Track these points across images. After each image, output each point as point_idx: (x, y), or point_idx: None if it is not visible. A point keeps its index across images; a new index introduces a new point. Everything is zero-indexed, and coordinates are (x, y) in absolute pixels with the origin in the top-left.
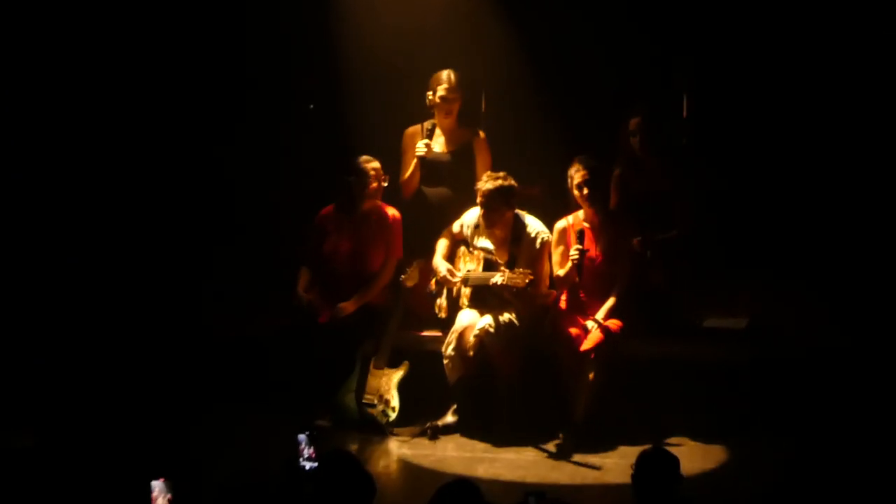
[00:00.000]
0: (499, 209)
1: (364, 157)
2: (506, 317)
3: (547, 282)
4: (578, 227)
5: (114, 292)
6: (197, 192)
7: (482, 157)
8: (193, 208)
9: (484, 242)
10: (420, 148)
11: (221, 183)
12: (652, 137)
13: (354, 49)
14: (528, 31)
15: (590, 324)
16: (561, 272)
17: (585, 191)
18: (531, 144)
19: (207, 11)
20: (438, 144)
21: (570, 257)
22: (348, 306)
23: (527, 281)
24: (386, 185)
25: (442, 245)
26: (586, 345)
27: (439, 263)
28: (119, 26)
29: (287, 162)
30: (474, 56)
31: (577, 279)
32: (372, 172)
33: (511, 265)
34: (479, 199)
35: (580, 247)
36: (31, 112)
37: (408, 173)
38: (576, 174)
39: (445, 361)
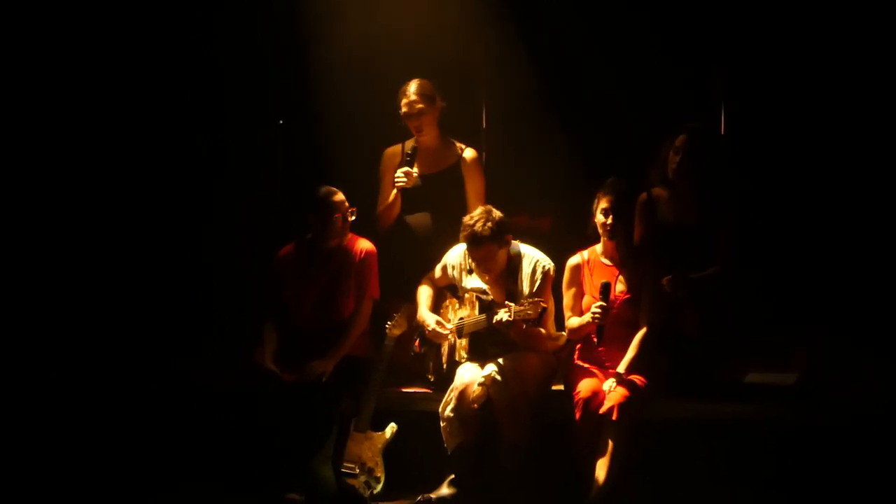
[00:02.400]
0: (490, 249)
1: (325, 189)
2: (514, 364)
3: (553, 322)
4: (603, 279)
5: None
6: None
7: (472, 180)
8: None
9: (475, 282)
10: (399, 178)
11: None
12: (697, 158)
13: (330, 60)
14: (538, 37)
15: (609, 381)
16: (575, 322)
17: (609, 220)
18: (541, 167)
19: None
20: (416, 166)
21: (592, 314)
22: (325, 364)
23: (539, 310)
24: (353, 219)
25: (424, 294)
26: (606, 405)
27: (426, 316)
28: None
29: (251, 187)
30: (474, 64)
31: (596, 341)
32: (334, 207)
33: (512, 302)
34: (466, 240)
35: (604, 304)
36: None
37: (386, 202)
38: (600, 201)
39: (443, 425)
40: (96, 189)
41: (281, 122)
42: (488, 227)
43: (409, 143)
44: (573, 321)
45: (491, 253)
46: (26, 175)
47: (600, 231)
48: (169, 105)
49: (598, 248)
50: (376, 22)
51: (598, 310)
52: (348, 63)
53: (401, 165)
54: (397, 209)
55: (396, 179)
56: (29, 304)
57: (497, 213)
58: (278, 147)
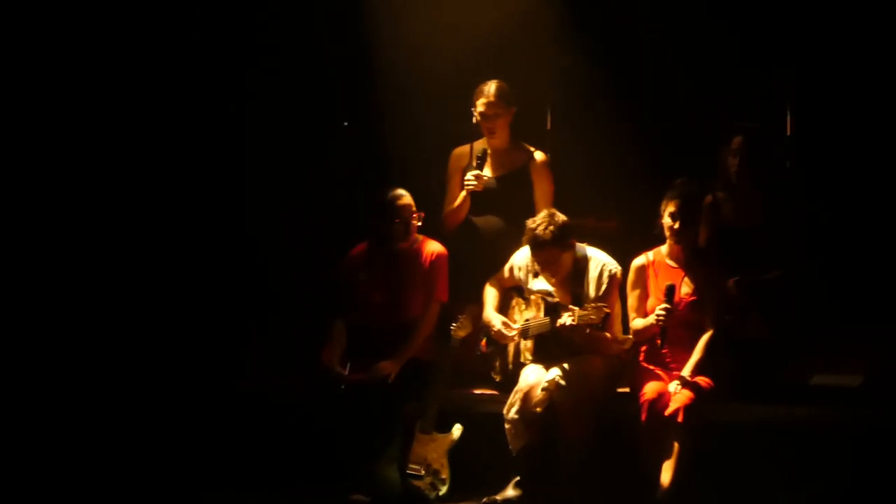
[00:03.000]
0: (554, 254)
1: (391, 193)
2: (578, 368)
3: (619, 325)
4: (668, 281)
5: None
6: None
7: (541, 183)
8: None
9: (541, 284)
10: (469, 181)
11: (240, 210)
12: (755, 160)
13: (395, 57)
14: (604, 36)
15: (674, 383)
16: (639, 323)
17: (676, 225)
18: (607, 169)
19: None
20: (487, 169)
21: (657, 317)
22: (391, 366)
23: (602, 315)
24: (419, 223)
25: (490, 295)
26: (671, 407)
27: (492, 317)
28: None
29: (312, 189)
30: (539, 64)
31: (660, 343)
32: (397, 211)
33: (577, 306)
34: (531, 244)
35: (669, 306)
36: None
37: (454, 205)
38: (667, 204)
39: (507, 426)
40: (162, 191)
41: (346, 123)
42: (549, 231)
43: (479, 145)
44: (637, 322)
45: (553, 257)
46: (102, 173)
47: (667, 234)
48: (235, 107)
49: (664, 249)
50: (441, 21)
51: (663, 312)
52: (413, 63)
53: (470, 168)
54: (465, 212)
55: (466, 182)
56: (88, 308)
57: (560, 217)
58: (343, 148)
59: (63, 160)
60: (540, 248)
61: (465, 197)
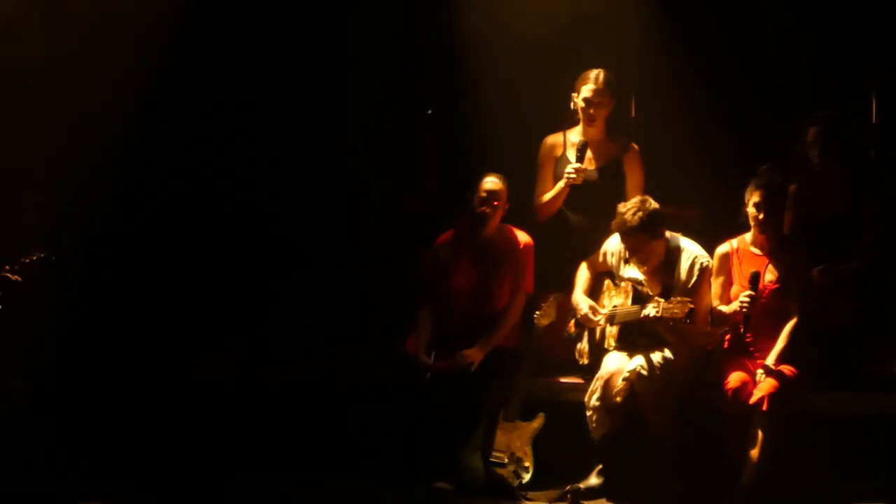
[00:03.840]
0: (645, 241)
1: (483, 178)
2: (661, 358)
3: (707, 317)
4: (752, 268)
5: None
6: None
7: (634, 175)
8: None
9: (632, 272)
10: (570, 174)
11: (316, 195)
12: (834, 149)
13: (483, 41)
14: (688, 21)
15: (759, 372)
16: (724, 309)
17: (761, 215)
18: (690, 157)
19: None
20: (585, 160)
21: (740, 303)
22: (475, 354)
23: (686, 311)
24: (500, 212)
25: (582, 278)
26: (756, 395)
27: (580, 300)
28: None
29: (398, 177)
30: (623, 50)
31: (743, 330)
32: (483, 194)
33: (665, 296)
34: (620, 231)
35: (752, 293)
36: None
37: (550, 195)
38: (752, 194)
39: (589, 413)
40: (246, 181)
41: (430, 111)
42: (638, 217)
43: (572, 133)
44: (721, 309)
45: (642, 243)
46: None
47: (752, 223)
48: (323, 95)
49: (748, 236)
50: (527, 9)
51: (747, 299)
52: (499, 51)
53: (564, 157)
54: (560, 202)
55: (567, 175)
56: (149, 292)
57: (652, 204)
58: (429, 136)
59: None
60: (628, 234)
61: (564, 188)
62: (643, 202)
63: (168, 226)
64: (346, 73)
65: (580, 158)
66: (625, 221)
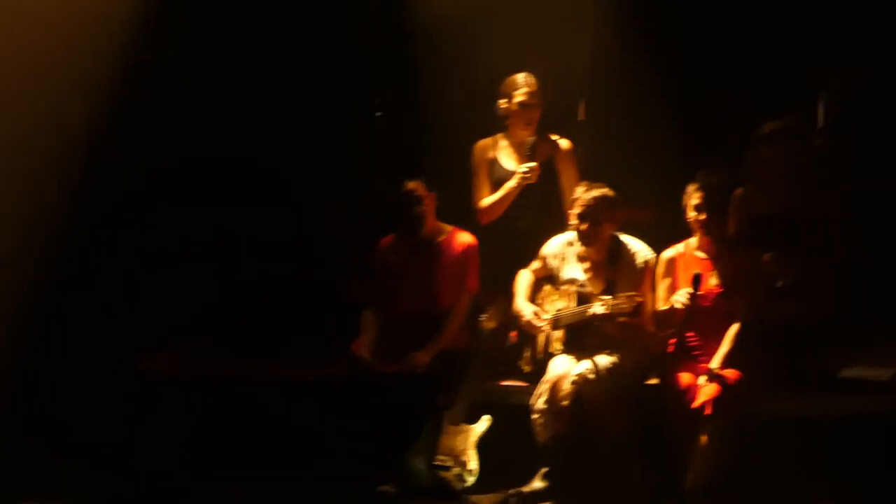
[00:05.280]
0: (602, 223)
1: (409, 181)
2: (608, 360)
3: (653, 316)
4: (693, 268)
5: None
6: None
7: (567, 173)
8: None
9: (573, 272)
10: (525, 173)
11: (264, 197)
12: (785, 153)
13: (426, 52)
14: (638, 24)
15: (703, 376)
16: (663, 307)
17: (702, 216)
18: (640, 160)
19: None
20: (512, 162)
21: (676, 300)
22: (423, 356)
23: (634, 304)
24: (431, 208)
25: (522, 285)
26: (699, 400)
27: (522, 306)
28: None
29: (342, 180)
30: (572, 57)
31: (678, 325)
32: (406, 198)
33: (610, 294)
34: (578, 211)
35: (692, 290)
36: None
37: (496, 197)
38: (692, 195)
39: (535, 417)
40: (192, 184)
41: (378, 114)
42: (600, 191)
43: (502, 138)
44: (662, 309)
45: (602, 216)
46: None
47: (693, 226)
48: (269, 98)
49: (693, 241)
50: (473, 14)
51: (686, 296)
52: (444, 55)
53: (496, 161)
54: (507, 204)
55: (522, 175)
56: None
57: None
58: (375, 139)
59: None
60: (596, 212)
61: (513, 189)
62: (602, 185)
63: (118, 226)
64: (287, 71)
65: (532, 157)
66: (593, 196)
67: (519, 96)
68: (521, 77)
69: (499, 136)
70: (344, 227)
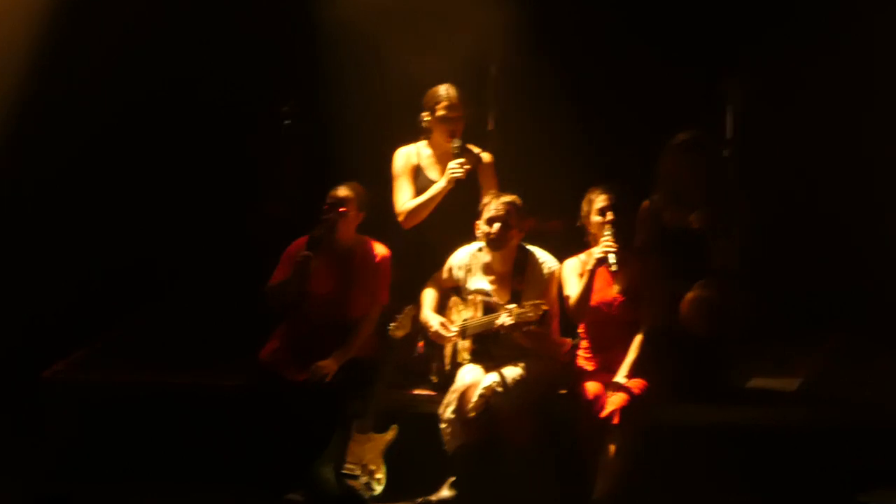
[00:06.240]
0: (510, 228)
1: (342, 185)
2: (516, 372)
3: (558, 324)
4: (603, 281)
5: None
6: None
7: (488, 185)
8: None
9: (480, 283)
10: (455, 169)
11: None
12: (694, 165)
13: (339, 57)
14: (548, 33)
15: (610, 385)
16: (574, 292)
17: (609, 216)
18: (549, 170)
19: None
20: (435, 172)
21: (599, 253)
22: (331, 365)
23: (540, 313)
24: (353, 218)
25: (429, 295)
26: (607, 409)
27: (429, 317)
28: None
29: (253, 186)
30: (481, 66)
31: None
32: (330, 200)
33: (516, 303)
34: (487, 216)
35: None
36: None
37: (423, 198)
38: (597, 198)
39: (443, 426)
40: (103, 184)
41: (287, 122)
42: (510, 198)
43: (424, 147)
44: (572, 293)
45: (512, 221)
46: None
47: (597, 230)
48: (178, 107)
49: (595, 250)
50: (385, 25)
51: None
52: (357, 62)
53: (420, 169)
54: (433, 206)
55: (450, 171)
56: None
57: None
58: (285, 146)
59: None
60: (507, 218)
61: (442, 190)
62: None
63: (20, 228)
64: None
65: (459, 155)
66: (503, 202)
67: (440, 110)
68: (442, 89)
69: (421, 144)
70: (259, 233)
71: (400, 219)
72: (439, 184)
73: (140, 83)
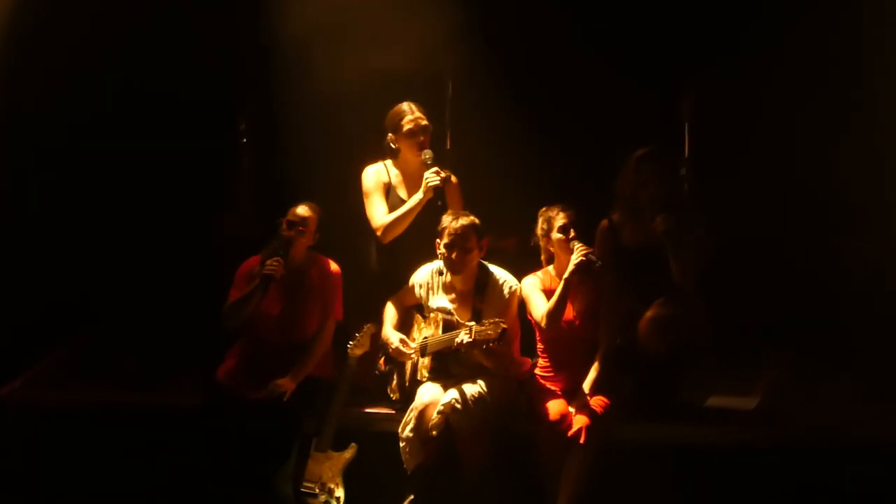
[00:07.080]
0: (469, 251)
1: (301, 204)
2: (475, 390)
3: (518, 343)
4: (569, 270)
5: None
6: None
7: (454, 205)
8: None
9: (440, 301)
10: (432, 178)
11: (127, 215)
12: (653, 182)
13: (294, 80)
14: (504, 51)
15: (574, 404)
16: (541, 305)
17: (571, 233)
18: (506, 188)
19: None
20: (404, 191)
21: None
22: (287, 383)
23: (499, 331)
24: (309, 237)
25: (391, 313)
26: (574, 427)
27: (390, 334)
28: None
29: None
30: (438, 85)
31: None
32: (290, 218)
33: (476, 321)
34: (446, 241)
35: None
36: None
37: (402, 210)
38: (557, 216)
39: (402, 445)
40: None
41: (245, 140)
42: (467, 218)
43: (392, 165)
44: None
45: (467, 244)
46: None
47: (557, 250)
48: (134, 122)
49: (552, 269)
50: (339, 44)
51: (581, 249)
52: (310, 79)
53: (390, 186)
54: (411, 220)
55: (427, 181)
56: None
57: None
58: (243, 164)
59: None
60: (465, 240)
61: (424, 198)
62: (468, 213)
63: None
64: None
65: (432, 165)
66: (462, 224)
67: (407, 124)
68: (404, 105)
69: (388, 162)
70: (210, 249)
71: (378, 233)
72: (417, 196)
73: (96, 94)
